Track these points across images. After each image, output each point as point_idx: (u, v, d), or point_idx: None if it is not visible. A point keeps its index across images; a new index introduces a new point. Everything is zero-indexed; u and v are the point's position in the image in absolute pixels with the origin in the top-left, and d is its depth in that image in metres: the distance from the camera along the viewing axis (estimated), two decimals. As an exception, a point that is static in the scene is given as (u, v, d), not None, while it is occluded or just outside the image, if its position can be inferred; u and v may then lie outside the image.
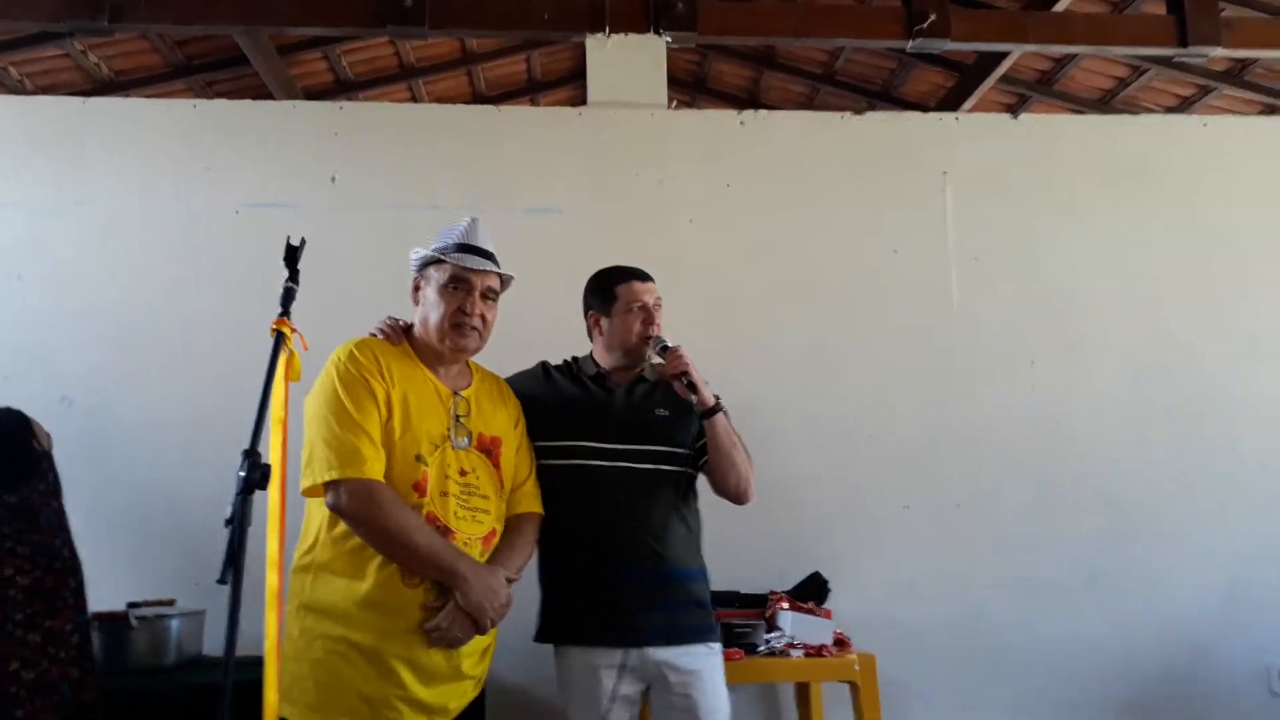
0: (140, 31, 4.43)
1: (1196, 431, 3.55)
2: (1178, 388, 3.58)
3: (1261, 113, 5.21)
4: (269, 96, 4.80)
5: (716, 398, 2.38)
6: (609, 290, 2.47)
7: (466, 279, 2.13)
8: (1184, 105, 5.37)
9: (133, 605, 2.88)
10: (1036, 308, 3.61)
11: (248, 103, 3.70)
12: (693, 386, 2.30)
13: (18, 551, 2.38)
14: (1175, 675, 3.39)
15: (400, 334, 2.20)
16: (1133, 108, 5.41)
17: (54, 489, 2.55)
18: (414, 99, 5.87)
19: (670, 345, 2.36)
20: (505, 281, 2.24)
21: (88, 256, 3.40)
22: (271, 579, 1.62)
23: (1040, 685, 3.35)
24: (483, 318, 2.14)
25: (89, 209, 3.43)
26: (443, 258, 2.13)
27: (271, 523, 1.63)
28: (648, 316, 2.43)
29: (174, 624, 2.86)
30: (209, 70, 5.10)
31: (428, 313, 2.14)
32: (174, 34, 4.66)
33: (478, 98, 6.12)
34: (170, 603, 2.98)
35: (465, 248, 2.15)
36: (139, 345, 3.32)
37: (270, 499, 1.62)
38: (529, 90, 6.33)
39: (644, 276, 2.49)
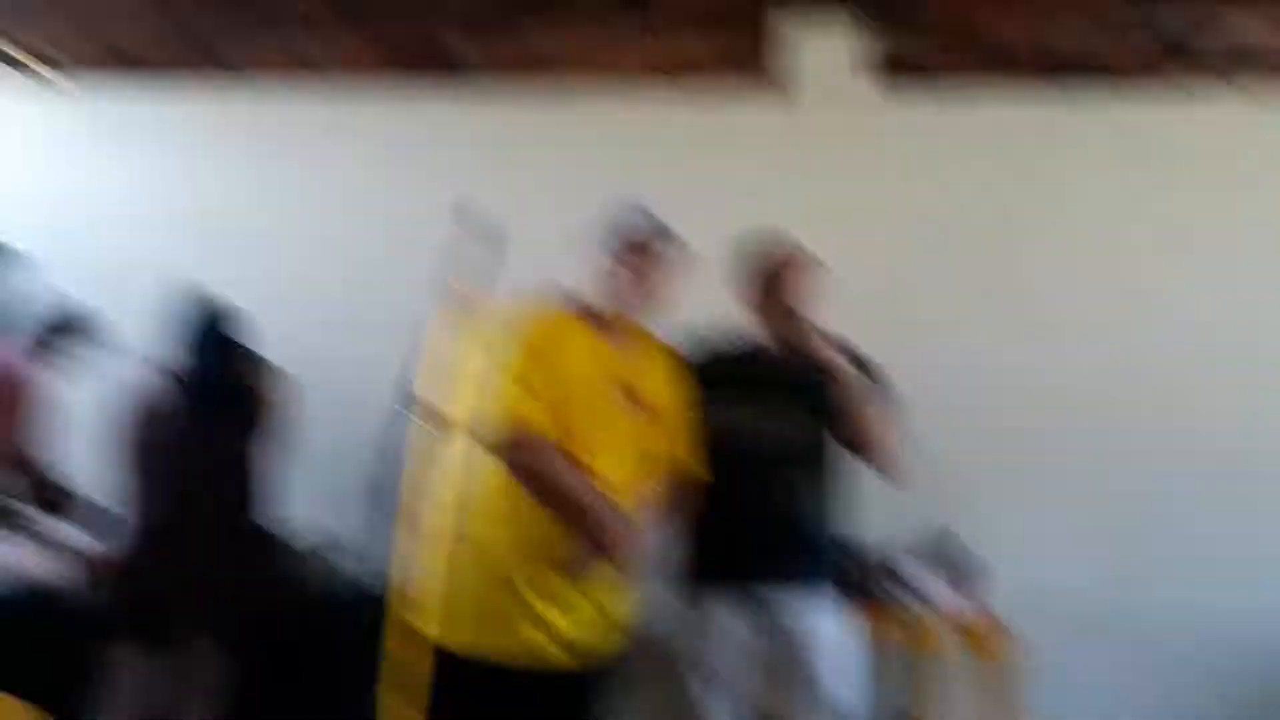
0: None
1: None
2: None
3: None
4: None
5: (858, 372, 2.38)
6: (771, 275, 2.48)
7: (644, 244, 2.15)
8: None
9: (297, 536, 3.06)
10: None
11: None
12: (828, 363, 2.33)
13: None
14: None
15: (575, 302, 2.22)
16: None
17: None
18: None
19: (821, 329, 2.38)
20: (680, 251, 2.22)
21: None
22: (431, 517, 1.62)
23: (1200, 676, 3.23)
24: (658, 285, 2.16)
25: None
26: (624, 223, 2.16)
27: (433, 465, 1.62)
28: (800, 307, 2.41)
29: (338, 557, 3.05)
30: None
31: (605, 279, 2.15)
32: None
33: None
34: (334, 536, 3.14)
35: (641, 217, 2.17)
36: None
37: (430, 442, 1.62)
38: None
39: (804, 265, 2.47)
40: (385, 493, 1.54)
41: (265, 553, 2.72)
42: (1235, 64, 3.49)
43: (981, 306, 3.46)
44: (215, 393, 2.69)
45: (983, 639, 2.88)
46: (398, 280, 3.26)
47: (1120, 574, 3.27)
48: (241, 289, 2.78)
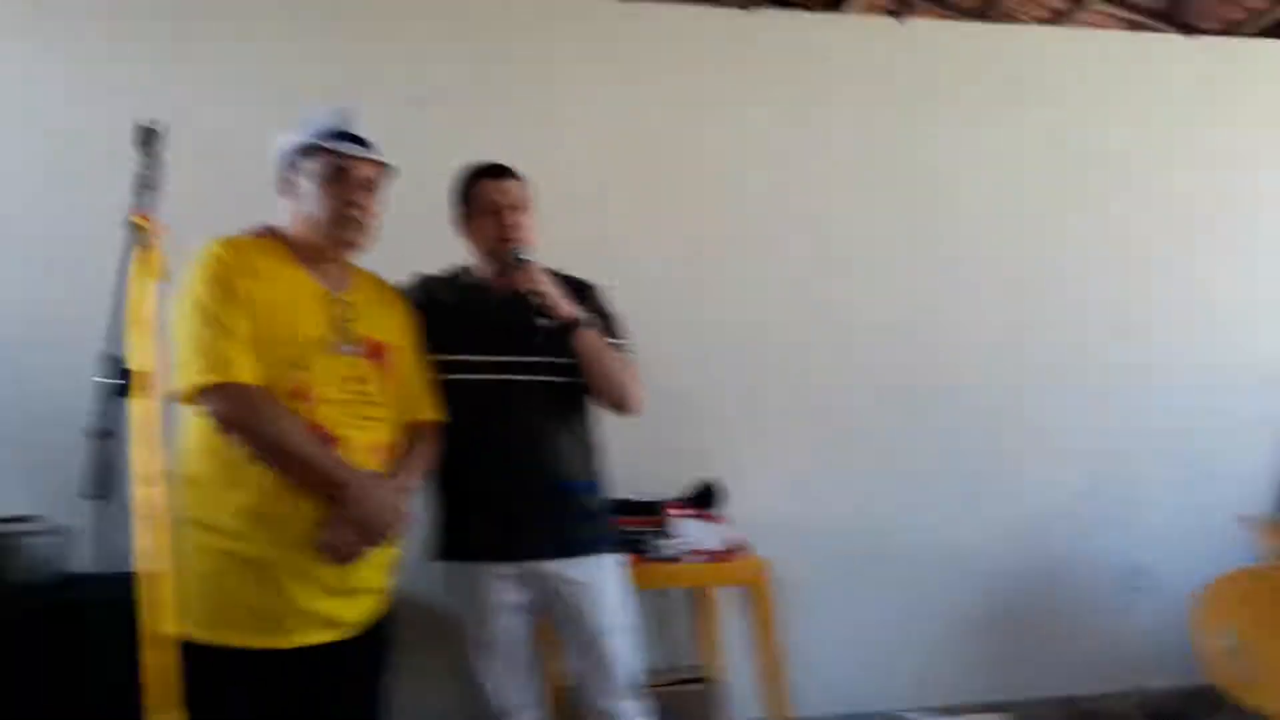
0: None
1: (1064, 337, 3.70)
2: (1047, 295, 3.72)
3: (1127, 29, 5.36)
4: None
5: (577, 315, 2.23)
6: (465, 191, 2.32)
7: (350, 167, 1.97)
8: (1056, 18, 5.46)
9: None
10: (915, 214, 3.66)
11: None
12: (541, 308, 2.18)
13: None
14: (1042, 571, 3.59)
15: (270, 232, 2.01)
16: (1009, 19, 5.47)
17: None
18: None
19: (524, 259, 2.21)
20: (387, 174, 2.07)
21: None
22: (143, 493, 1.48)
23: (924, 582, 3.49)
24: (367, 212, 2.00)
25: None
26: (321, 144, 1.96)
27: (140, 433, 1.49)
28: (502, 218, 2.25)
29: (36, 541, 2.69)
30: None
31: (307, 207, 1.97)
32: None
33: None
34: (34, 518, 2.76)
35: (341, 134, 1.98)
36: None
37: (139, 408, 1.48)
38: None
39: (500, 173, 2.30)
40: (104, 474, 1.39)
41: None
42: None
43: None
44: None
45: (744, 573, 3.00)
46: (74, 214, 2.92)
47: (868, 510, 3.47)
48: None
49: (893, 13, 5.49)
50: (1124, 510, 3.66)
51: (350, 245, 2.01)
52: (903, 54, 3.75)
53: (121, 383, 1.41)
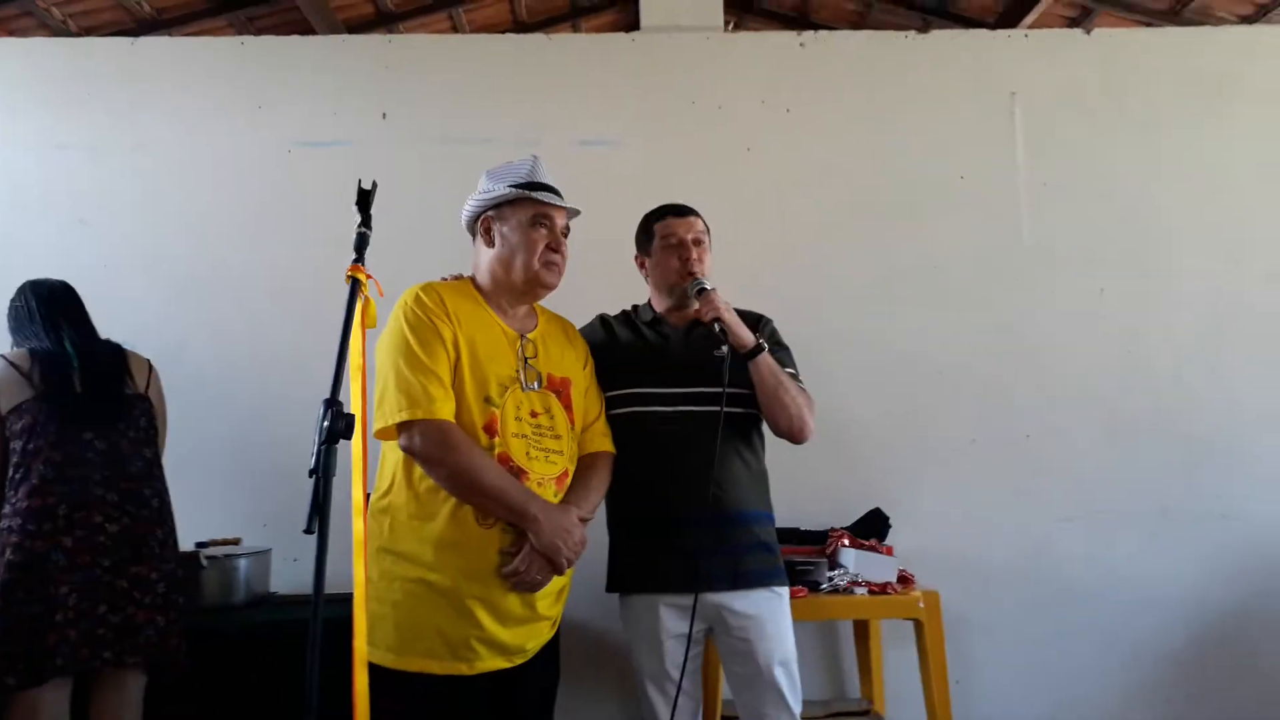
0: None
1: (1276, 359, 3.43)
2: (1256, 313, 3.46)
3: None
4: (310, 31, 4.72)
5: (758, 339, 2.30)
6: (648, 228, 2.43)
7: (550, 215, 2.11)
8: (1259, 14, 5.08)
9: (201, 545, 2.94)
10: (1110, 232, 3.48)
11: (296, 38, 3.63)
12: (724, 332, 2.22)
13: (107, 499, 2.41)
14: (1243, 608, 3.33)
15: (461, 278, 2.18)
16: (1206, 19, 5.13)
17: (145, 435, 2.56)
18: (455, 28, 5.75)
19: (707, 288, 2.29)
20: (570, 218, 2.20)
21: (148, 200, 3.40)
22: (358, 526, 1.61)
23: (1109, 618, 3.31)
24: (564, 256, 2.14)
25: (149, 152, 3.42)
26: (527, 194, 2.09)
27: (356, 470, 1.62)
28: (684, 252, 2.36)
29: (242, 563, 2.91)
30: (250, 5, 5.01)
31: (509, 253, 2.10)
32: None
33: (519, 25, 5.97)
34: (236, 541, 3.04)
35: (539, 185, 2.11)
36: (203, 290, 3.34)
37: (353, 447, 1.61)
38: (572, 16, 6.16)
39: (682, 212, 2.43)
40: (322, 509, 1.51)
41: (175, 574, 2.50)
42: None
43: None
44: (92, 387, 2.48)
45: (912, 606, 2.93)
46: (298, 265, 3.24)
47: (1049, 545, 3.32)
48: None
49: (1074, 21, 5.27)
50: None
51: (548, 288, 2.14)
52: (1087, 66, 3.58)
53: (343, 426, 1.52)
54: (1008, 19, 5.09)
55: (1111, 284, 3.45)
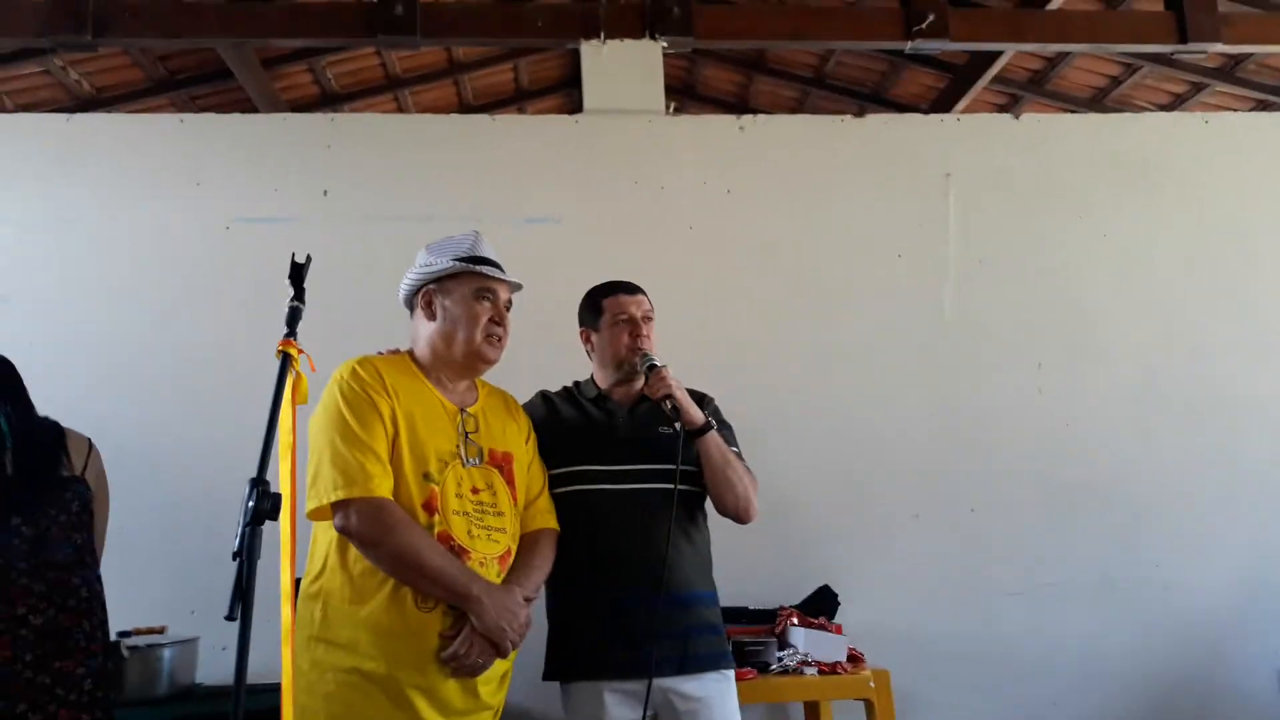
0: (125, 46, 4.35)
1: (1206, 431, 3.52)
2: (1186, 387, 3.55)
3: (1254, 108, 5.20)
4: (254, 110, 4.72)
5: (706, 418, 2.28)
6: (596, 304, 2.41)
7: (494, 289, 2.10)
8: (1177, 102, 5.35)
9: (123, 634, 2.78)
10: (1043, 310, 3.57)
11: (236, 116, 3.62)
12: (676, 410, 2.21)
13: (32, 589, 2.24)
14: (1189, 678, 3.35)
15: (402, 353, 2.13)
16: (1126, 105, 5.40)
17: (77, 520, 2.37)
18: (400, 109, 5.80)
19: (657, 365, 2.27)
20: (513, 292, 2.19)
21: (77, 276, 3.32)
22: (286, 613, 1.54)
23: (1057, 692, 3.30)
24: (507, 331, 2.12)
25: (77, 228, 3.35)
26: (470, 268, 2.07)
27: (285, 553, 1.55)
28: (634, 329, 2.35)
29: (167, 654, 2.77)
30: (192, 84, 5.01)
31: (451, 326, 2.07)
32: (157, 48, 4.57)
33: (465, 107, 6.05)
34: (161, 630, 2.89)
35: (481, 259, 2.10)
36: (131, 367, 3.24)
37: (282, 529, 1.55)
38: (517, 99, 6.27)
39: (631, 289, 2.42)
40: (246, 594, 1.44)
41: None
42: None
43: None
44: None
45: (862, 687, 2.88)
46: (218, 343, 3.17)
47: (996, 619, 3.32)
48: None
49: (1003, 108, 5.50)
50: (1273, 612, 3.40)
51: (489, 362, 2.12)
52: (1017, 149, 3.71)
53: (269, 506, 1.46)
54: (940, 105, 5.30)
55: (1047, 359, 3.53)
